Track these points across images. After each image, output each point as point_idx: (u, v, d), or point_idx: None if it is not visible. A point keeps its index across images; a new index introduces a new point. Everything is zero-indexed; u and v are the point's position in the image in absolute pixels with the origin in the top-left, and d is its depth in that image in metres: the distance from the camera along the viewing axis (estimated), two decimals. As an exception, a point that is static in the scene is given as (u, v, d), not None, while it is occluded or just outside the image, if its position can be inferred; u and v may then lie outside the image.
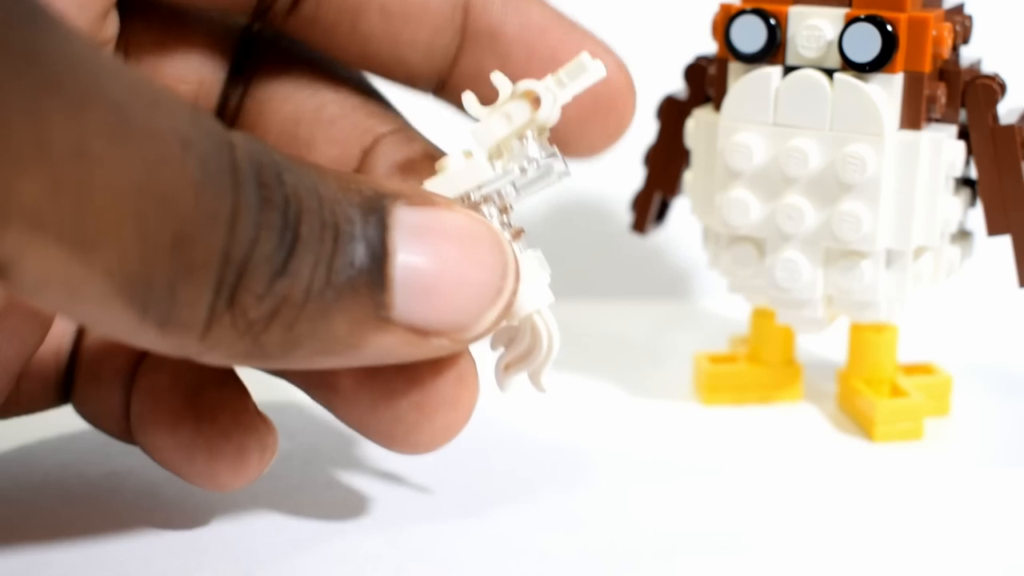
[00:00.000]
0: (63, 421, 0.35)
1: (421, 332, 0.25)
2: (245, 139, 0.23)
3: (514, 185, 0.28)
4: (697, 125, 0.37)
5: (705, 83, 0.37)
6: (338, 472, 0.33)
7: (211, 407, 0.29)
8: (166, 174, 0.21)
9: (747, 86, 0.35)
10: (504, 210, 0.28)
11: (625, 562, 0.29)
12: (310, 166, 0.24)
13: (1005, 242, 0.35)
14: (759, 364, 0.38)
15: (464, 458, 0.34)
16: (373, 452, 0.34)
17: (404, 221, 0.25)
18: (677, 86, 0.39)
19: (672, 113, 0.38)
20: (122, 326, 0.22)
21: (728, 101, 0.35)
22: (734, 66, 0.35)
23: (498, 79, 0.28)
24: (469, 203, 0.28)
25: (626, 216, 0.41)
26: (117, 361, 0.31)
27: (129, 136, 0.21)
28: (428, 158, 0.29)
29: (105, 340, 0.31)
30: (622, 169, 0.43)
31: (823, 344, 0.41)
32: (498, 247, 0.26)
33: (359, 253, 0.24)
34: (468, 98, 0.28)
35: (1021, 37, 0.46)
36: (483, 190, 0.28)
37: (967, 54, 0.36)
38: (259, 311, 0.23)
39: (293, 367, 0.25)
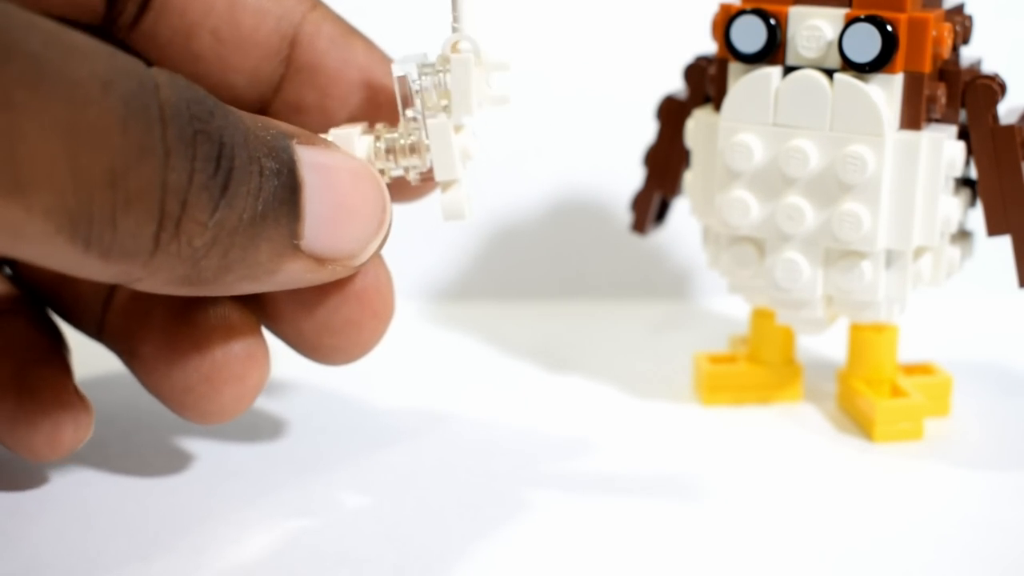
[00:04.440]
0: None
1: (320, 260, 0.27)
2: (171, 77, 0.24)
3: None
4: (697, 125, 0.37)
5: (705, 83, 0.37)
6: (337, 472, 0.33)
7: (34, 383, 0.31)
8: (90, 112, 0.22)
9: (747, 86, 0.35)
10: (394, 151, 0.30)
11: (625, 561, 0.29)
12: (229, 106, 0.26)
13: (1005, 242, 0.35)
14: (759, 364, 0.38)
15: (464, 457, 0.34)
16: (372, 452, 0.34)
17: (305, 158, 0.27)
18: (677, 86, 0.39)
19: (672, 113, 0.38)
20: (67, 260, 0.23)
21: (728, 101, 0.35)
22: (734, 66, 0.35)
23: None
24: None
25: (626, 216, 0.41)
26: None
27: (49, 82, 0.22)
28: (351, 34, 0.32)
29: None
30: (622, 169, 0.43)
31: (823, 344, 0.41)
32: (376, 181, 0.28)
33: (279, 185, 0.26)
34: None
35: (1021, 37, 0.46)
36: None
37: (967, 54, 0.36)
38: (203, 238, 0.25)
39: (221, 292, 0.27)
